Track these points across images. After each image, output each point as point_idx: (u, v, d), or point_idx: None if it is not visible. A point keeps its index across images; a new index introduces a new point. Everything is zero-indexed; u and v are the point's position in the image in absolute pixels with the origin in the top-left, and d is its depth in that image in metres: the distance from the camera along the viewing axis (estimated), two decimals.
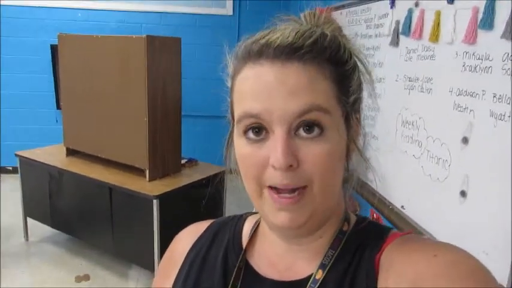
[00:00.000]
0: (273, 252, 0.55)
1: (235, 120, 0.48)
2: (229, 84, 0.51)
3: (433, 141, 1.61)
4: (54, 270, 3.06)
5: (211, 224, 0.64)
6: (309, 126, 0.44)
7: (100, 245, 3.10)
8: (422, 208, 1.70)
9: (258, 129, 0.46)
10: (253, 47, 0.47)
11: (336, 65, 0.47)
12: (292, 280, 0.51)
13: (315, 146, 0.45)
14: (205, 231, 0.63)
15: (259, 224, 0.59)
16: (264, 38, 0.47)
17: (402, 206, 1.87)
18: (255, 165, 0.46)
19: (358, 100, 0.50)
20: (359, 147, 0.52)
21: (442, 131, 1.56)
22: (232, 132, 0.51)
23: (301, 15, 0.50)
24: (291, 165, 0.44)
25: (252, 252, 0.57)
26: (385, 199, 2.03)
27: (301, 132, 0.45)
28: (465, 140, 1.40)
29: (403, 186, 1.88)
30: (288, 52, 0.44)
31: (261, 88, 0.45)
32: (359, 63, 0.51)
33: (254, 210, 0.53)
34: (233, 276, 0.54)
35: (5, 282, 2.87)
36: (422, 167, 1.69)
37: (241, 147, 0.47)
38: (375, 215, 2.18)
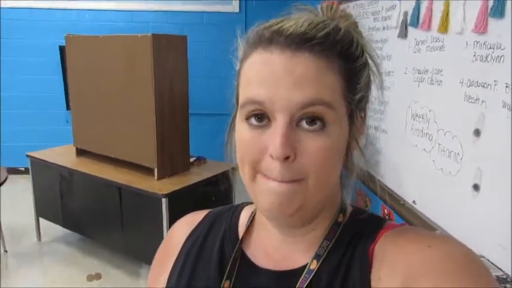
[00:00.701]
0: (269, 243, 0.55)
1: (239, 105, 0.48)
2: (237, 67, 0.51)
3: (444, 134, 1.58)
4: (66, 269, 3.08)
5: (207, 213, 0.64)
6: (312, 119, 0.44)
7: (111, 244, 3.12)
8: (435, 203, 1.66)
9: (261, 116, 0.45)
10: (265, 32, 0.46)
11: (346, 61, 0.46)
12: (288, 270, 0.51)
13: (315, 140, 0.44)
14: (201, 221, 0.63)
15: (255, 214, 0.59)
16: (277, 24, 0.46)
17: (414, 201, 1.84)
18: (253, 151, 0.46)
19: (364, 98, 0.50)
20: (360, 146, 0.51)
21: (453, 124, 1.52)
22: (235, 116, 0.51)
23: (318, 6, 0.50)
24: (288, 157, 0.43)
25: (249, 242, 0.57)
26: (396, 194, 2.00)
27: (303, 124, 0.44)
28: (477, 132, 1.37)
29: (414, 180, 1.85)
30: (299, 42, 0.44)
31: (267, 75, 0.44)
32: (370, 61, 0.50)
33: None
34: (229, 266, 0.54)
35: (18, 282, 2.91)
36: (433, 160, 1.65)
37: (243, 131, 0.47)
38: (385, 210, 2.15)
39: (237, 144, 0.49)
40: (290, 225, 0.51)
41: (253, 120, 0.46)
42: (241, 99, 0.47)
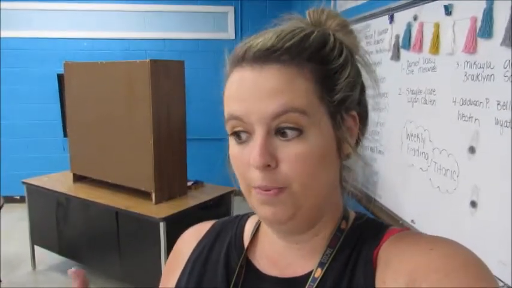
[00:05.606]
0: (274, 251, 0.55)
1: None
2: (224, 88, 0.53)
3: (440, 152, 1.60)
4: None
5: (214, 223, 0.65)
6: (287, 128, 0.45)
7: (108, 272, 3.05)
8: (433, 221, 1.67)
9: (243, 132, 0.48)
10: (238, 51, 0.49)
11: (319, 64, 0.47)
12: (293, 277, 0.52)
13: (293, 147, 0.45)
14: (208, 231, 0.64)
15: (260, 223, 0.60)
16: (248, 42, 0.48)
17: (412, 221, 1.84)
18: (241, 165, 0.48)
19: (348, 98, 0.49)
20: (351, 145, 0.50)
21: (448, 142, 1.55)
22: None
23: (306, 12, 0.51)
24: (268, 165, 0.45)
25: (254, 251, 0.58)
26: (395, 214, 2.00)
27: (280, 134, 0.46)
28: (472, 150, 1.39)
29: (412, 200, 1.86)
30: (266, 55, 0.46)
31: (241, 92, 0.47)
32: (360, 60, 0.51)
33: None
34: (235, 274, 0.55)
35: None
36: (430, 179, 1.67)
37: (232, 146, 0.50)
38: None
39: (230, 160, 0.51)
40: (290, 231, 0.52)
41: (236, 136, 0.48)
42: (225, 116, 0.50)
